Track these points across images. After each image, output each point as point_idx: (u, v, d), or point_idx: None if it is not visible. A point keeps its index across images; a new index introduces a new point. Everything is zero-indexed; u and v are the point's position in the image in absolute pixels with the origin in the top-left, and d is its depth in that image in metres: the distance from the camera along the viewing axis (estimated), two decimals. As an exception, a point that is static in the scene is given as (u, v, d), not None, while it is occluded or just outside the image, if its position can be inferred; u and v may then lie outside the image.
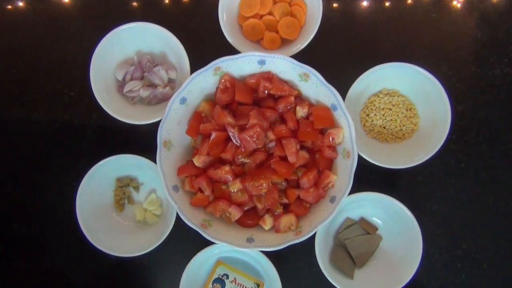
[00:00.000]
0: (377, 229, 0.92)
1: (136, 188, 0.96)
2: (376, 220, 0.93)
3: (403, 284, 0.86)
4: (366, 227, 0.91)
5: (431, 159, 0.86)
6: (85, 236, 0.90)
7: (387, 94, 0.91)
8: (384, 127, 0.91)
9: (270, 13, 0.94)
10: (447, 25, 0.96)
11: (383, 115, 0.90)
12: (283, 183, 0.85)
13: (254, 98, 0.88)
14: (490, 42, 0.95)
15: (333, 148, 0.85)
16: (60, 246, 0.98)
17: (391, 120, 0.90)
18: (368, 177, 0.92)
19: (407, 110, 0.90)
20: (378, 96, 0.91)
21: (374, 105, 0.91)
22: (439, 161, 0.93)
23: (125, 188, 0.95)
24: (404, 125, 0.90)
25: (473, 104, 0.94)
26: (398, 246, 0.90)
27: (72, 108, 0.99)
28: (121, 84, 0.93)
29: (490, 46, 0.95)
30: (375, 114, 0.91)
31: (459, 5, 0.96)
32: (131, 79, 0.92)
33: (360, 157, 0.82)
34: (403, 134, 0.91)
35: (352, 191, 0.83)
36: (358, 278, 0.89)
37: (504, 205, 0.93)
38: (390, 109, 0.90)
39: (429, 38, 0.96)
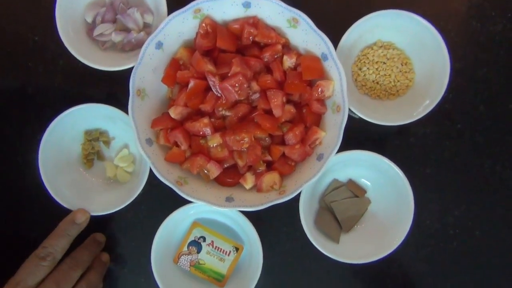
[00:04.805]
0: (365, 192, 0.86)
1: (107, 143, 0.88)
2: (365, 182, 0.87)
3: (391, 250, 0.81)
4: (354, 190, 0.85)
5: (425, 119, 0.80)
6: (50, 194, 0.82)
7: (381, 46, 0.84)
8: (377, 83, 0.84)
9: (257, -46, 0.85)
10: (448, -24, 0.89)
11: (377, 69, 0.84)
12: (266, 138, 0.79)
13: (237, 46, 0.80)
14: (493, -5, 0.88)
15: (322, 102, 0.78)
16: (23, 204, 0.90)
17: (385, 75, 0.84)
18: (358, 137, 0.86)
19: (402, 65, 0.84)
20: (372, 49, 0.84)
21: (368, 58, 0.84)
22: (434, 122, 0.87)
23: (94, 142, 0.87)
24: (398, 81, 0.84)
25: (472, 61, 0.88)
26: (388, 210, 0.84)
27: (36, 54, 0.89)
28: (91, 27, 0.84)
29: None
30: (368, 68, 0.84)
31: (461, -45, 0.89)
32: (102, 22, 0.84)
33: (349, 116, 0.75)
34: (397, 91, 0.84)
35: (341, 151, 0.77)
36: (344, 242, 0.84)
37: (501, 169, 0.88)
38: (384, 63, 0.84)
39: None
